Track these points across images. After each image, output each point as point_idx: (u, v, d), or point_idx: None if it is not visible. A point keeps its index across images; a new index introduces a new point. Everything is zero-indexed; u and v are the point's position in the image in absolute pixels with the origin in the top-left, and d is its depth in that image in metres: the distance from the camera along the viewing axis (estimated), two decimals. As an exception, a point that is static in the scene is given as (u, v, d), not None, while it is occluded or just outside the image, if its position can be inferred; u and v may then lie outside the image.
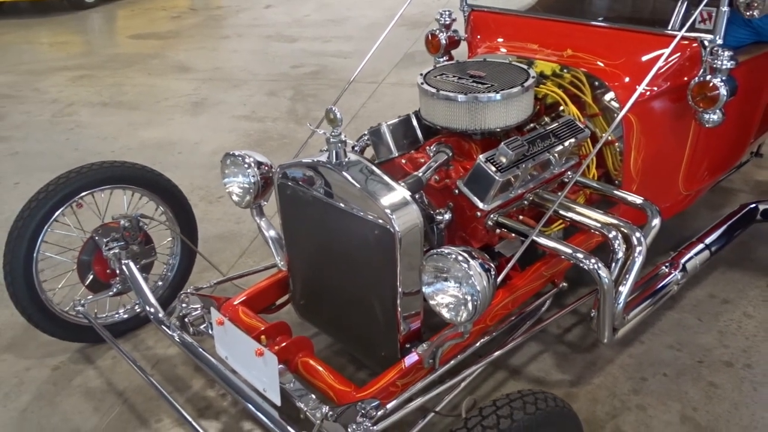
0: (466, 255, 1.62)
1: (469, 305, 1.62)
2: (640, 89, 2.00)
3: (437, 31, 2.88)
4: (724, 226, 2.59)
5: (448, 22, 2.88)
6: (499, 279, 1.76)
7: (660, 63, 2.10)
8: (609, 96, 2.28)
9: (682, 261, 2.36)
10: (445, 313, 1.67)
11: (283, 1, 9.32)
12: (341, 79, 5.56)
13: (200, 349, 2.00)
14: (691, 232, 2.56)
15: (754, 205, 2.72)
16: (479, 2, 2.81)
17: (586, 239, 2.28)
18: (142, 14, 8.86)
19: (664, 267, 2.33)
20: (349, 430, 1.59)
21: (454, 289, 1.64)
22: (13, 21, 8.57)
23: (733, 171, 3.26)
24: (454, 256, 1.62)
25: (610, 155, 2.38)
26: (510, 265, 1.84)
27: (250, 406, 1.82)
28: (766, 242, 2.98)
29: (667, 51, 2.01)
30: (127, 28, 8.18)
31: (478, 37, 2.80)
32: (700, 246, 2.46)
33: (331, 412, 1.67)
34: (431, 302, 1.69)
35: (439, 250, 1.65)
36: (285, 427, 1.72)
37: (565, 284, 2.28)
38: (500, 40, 2.71)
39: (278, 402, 1.76)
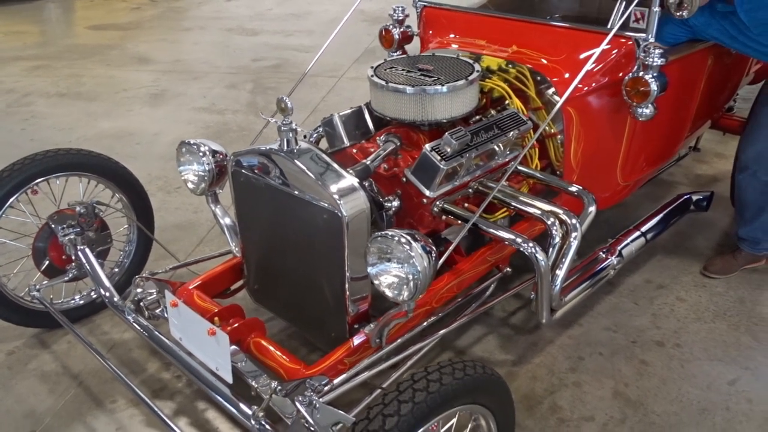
0: (408, 237, 1.71)
1: (411, 284, 1.71)
2: (574, 84, 2.12)
3: (390, 26, 2.97)
4: (660, 215, 2.75)
5: (401, 18, 2.97)
6: (442, 261, 1.87)
7: (593, 59, 2.22)
8: (551, 90, 2.40)
9: (619, 247, 2.50)
10: (389, 293, 1.76)
11: (245, -5, 9.29)
12: (300, 72, 5.60)
13: (155, 332, 2.06)
14: (632, 222, 2.70)
15: (687, 196, 2.88)
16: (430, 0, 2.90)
17: (528, 227, 2.39)
18: (101, 5, 8.74)
19: (601, 253, 2.47)
20: (296, 401, 1.67)
21: (397, 269, 1.73)
22: (-33, 9, 8.38)
23: (671, 164, 3.44)
24: (397, 238, 1.71)
25: (553, 147, 2.50)
26: (452, 247, 1.94)
27: (204, 385, 1.89)
28: (700, 232, 3.15)
29: (599, 49, 2.13)
30: (85, 18, 8.06)
31: (430, 32, 2.90)
32: (636, 234, 2.61)
33: (280, 387, 1.75)
34: (375, 282, 1.78)
35: (383, 232, 1.74)
36: (236, 403, 1.79)
37: (509, 269, 2.40)
38: (451, 36, 2.81)
39: (230, 380, 1.83)
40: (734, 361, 2.35)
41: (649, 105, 2.29)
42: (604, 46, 2.12)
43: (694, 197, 2.90)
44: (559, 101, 2.18)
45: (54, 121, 4.66)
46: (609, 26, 2.44)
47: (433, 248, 1.75)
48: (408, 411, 1.22)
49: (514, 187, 2.34)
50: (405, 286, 1.73)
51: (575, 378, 2.26)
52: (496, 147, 2.26)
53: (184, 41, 6.91)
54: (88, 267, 2.30)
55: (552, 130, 2.45)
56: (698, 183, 3.66)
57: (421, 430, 1.28)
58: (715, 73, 2.81)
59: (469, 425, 1.52)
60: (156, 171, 3.78)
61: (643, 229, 2.63)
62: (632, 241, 2.56)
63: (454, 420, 1.45)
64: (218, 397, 1.85)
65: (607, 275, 2.42)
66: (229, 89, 5.32)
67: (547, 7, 3.38)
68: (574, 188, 2.28)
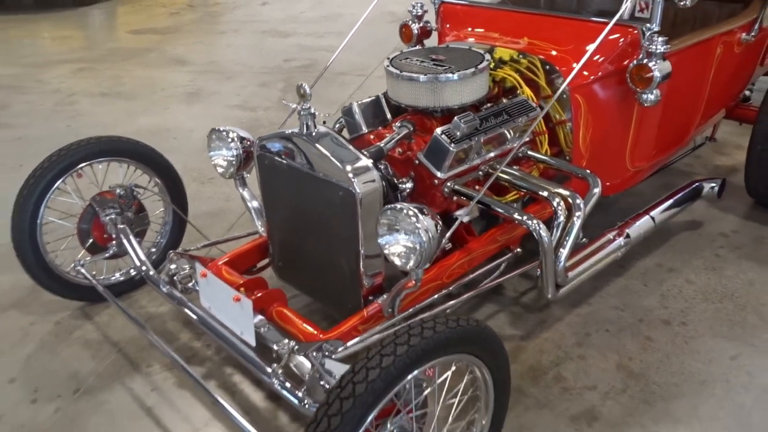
0: (415, 210, 1.85)
1: (417, 254, 1.86)
2: (576, 69, 2.24)
3: (410, 22, 3.12)
4: (670, 201, 2.83)
5: (420, 14, 3.12)
6: (449, 235, 2.02)
7: (599, 48, 2.34)
8: (560, 80, 2.52)
9: (627, 230, 2.59)
10: (397, 261, 1.90)
11: (279, -1, 9.57)
12: (331, 72, 5.78)
13: (187, 302, 2.24)
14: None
15: (698, 183, 2.95)
16: (449, -5, 3.05)
17: (539, 210, 2.51)
18: (141, 11, 9.10)
19: (610, 235, 2.57)
20: (310, 356, 1.82)
21: (405, 239, 1.87)
22: (17, 16, 8.82)
23: (687, 153, 3.51)
24: (405, 210, 1.85)
25: (563, 134, 2.61)
26: (458, 223, 2.08)
27: (229, 348, 2.05)
28: (715, 219, 3.22)
29: (600, 37, 2.24)
30: (126, 23, 8.42)
31: (447, 26, 3.04)
32: (645, 217, 2.70)
33: (298, 347, 1.91)
34: (385, 252, 1.92)
35: (392, 205, 1.88)
36: (259, 363, 1.95)
37: (519, 250, 2.52)
38: (467, 29, 2.94)
39: (253, 343, 2.00)
40: (738, 338, 2.42)
41: (654, 91, 2.39)
42: (604, 34, 2.23)
43: (706, 184, 2.96)
44: (563, 84, 2.30)
45: (96, 119, 4.93)
46: (618, 16, 2.55)
47: (439, 221, 1.89)
48: (403, 352, 1.36)
49: (524, 171, 2.46)
50: (412, 255, 1.88)
51: (581, 352, 2.37)
52: (505, 131, 2.39)
53: (219, 43, 7.17)
54: (127, 244, 2.51)
55: (561, 117, 2.56)
56: (717, 173, 3.72)
57: (417, 371, 1.42)
58: (724, 62, 2.88)
59: (465, 377, 1.65)
60: (191, 163, 4.00)
61: (653, 213, 2.72)
62: (641, 224, 2.65)
63: (452, 370, 1.58)
64: (242, 359, 2.01)
65: (615, 255, 2.51)
66: (261, 88, 5.53)
67: (565, 2, 3.50)
68: (578, 171, 2.40)
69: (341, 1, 9.03)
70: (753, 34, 2.92)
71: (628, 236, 2.57)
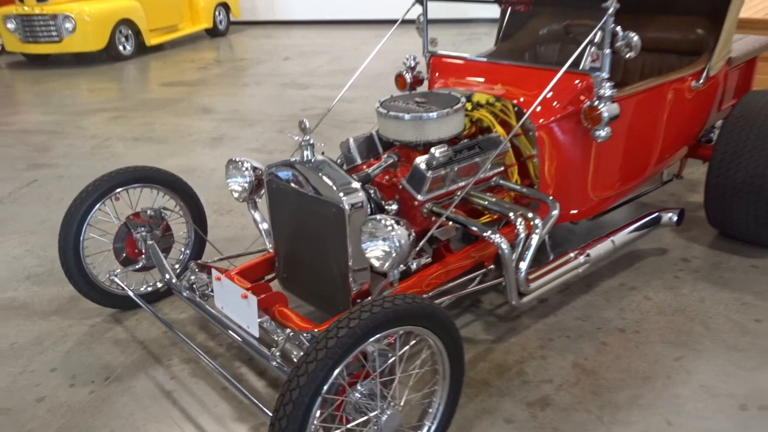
0: (392, 221, 2.26)
1: (392, 256, 2.25)
2: (531, 108, 2.68)
3: (404, 72, 3.59)
4: (631, 227, 3.19)
5: (413, 65, 3.58)
6: (422, 243, 2.41)
7: (560, 93, 2.77)
8: (528, 120, 2.94)
9: (588, 250, 2.96)
10: (376, 263, 2.30)
11: (299, 54, 10.25)
12: (343, 120, 6.31)
13: (204, 305, 2.65)
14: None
15: (657, 214, 3.30)
16: (438, 50, 3.51)
17: (510, 231, 2.89)
18: (173, 65, 9.82)
19: (572, 253, 2.93)
20: (302, 340, 2.20)
21: (382, 245, 2.27)
22: (59, 71, 9.60)
23: (656, 187, 3.90)
24: (383, 221, 2.26)
25: (532, 167, 3.02)
26: (428, 235, 2.48)
27: (237, 338, 2.44)
28: (679, 247, 3.56)
29: (551, 83, 2.67)
30: (158, 77, 9.11)
31: (437, 75, 3.49)
32: (607, 240, 3.06)
33: (292, 334, 2.29)
34: (367, 255, 2.32)
35: (372, 216, 2.29)
36: (260, 349, 2.34)
37: (492, 266, 2.89)
38: (452, 78, 3.40)
39: (257, 334, 2.39)
40: (684, 344, 2.75)
41: (605, 128, 2.78)
42: (554, 81, 2.67)
43: (665, 214, 3.31)
44: (521, 120, 2.72)
45: (129, 160, 5.45)
46: (581, 67, 2.99)
47: (412, 232, 2.29)
48: (356, 325, 1.73)
49: (496, 196, 2.86)
50: (389, 258, 2.27)
51: (542, 353, 2.71)
52: (477, 162, 2.80)
53: (243, 94, 7.77)
54: (154, 258, 2.94)
55: (530, 153, 2.97)
56: (689, 209, 4.06)
57: (379, 335, 1.79)
58: (677, 106, 3.29)
59: (424, 351, 2.02)
60: (212, 197, 4.46)
61: (613, 237, 3.08)
62: (601, 245, 3.01)
63: (412, 343, 1.96)
64: (247, 347, 2.40)
65: (576, 271, 2.87)
66: (279, 134, 6.05)
67: (538, 55, 3.97)
68: (540, 196, 2.79)
69: (357, 55, 9.68)
70: (702, 81, 3.33)
71: (588, 255, 2.93)
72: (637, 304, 3.05)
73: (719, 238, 3.65)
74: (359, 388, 1.89)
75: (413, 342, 1.99)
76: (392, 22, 3.44)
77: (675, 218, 3.32)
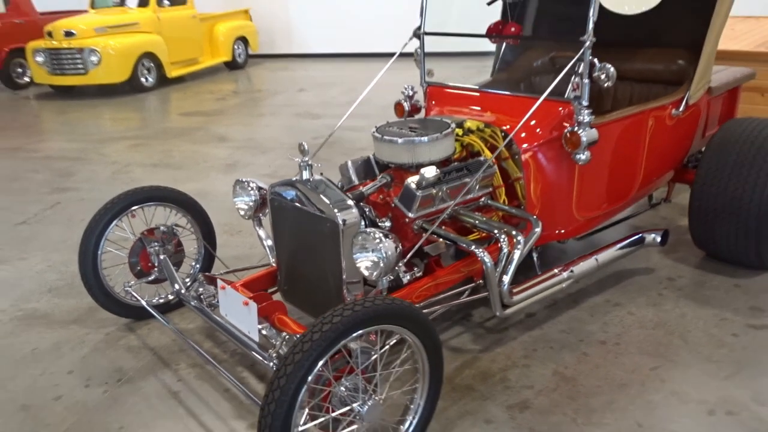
0: (380, 234, 2.46)
1: (380, 266, 2.45)
2: (513, 132, 2.90)
3: (402, 101, 3.84)
4: (614, 247, 3.36)
5: (411, 94, 3.83)
6: (410, 254, 2.62)
7: (543, 119, 2.98)
8: (515, 145, 3.15)
9: (572, 267, 3.14)
10: (366, 272, 2.50)
11: (314, 86, 10.61)
12: (352, 148, 6.58)
13: (210, 313, 2.86)
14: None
15: (641, 234, 3.48)
16: (434, 80, 3.76)
17: (496, 248, 3.09)
18: (192, 96, 10.21)
19: (556, 269, 3.11)
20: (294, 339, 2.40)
21: (372, 255, 2.48)
22: (83, 101, 10.04)
23: (644, 210, 4.08)
24: (372, 234, 2.47)
25: (519, 188, 3.22)
26: (415, 248, 2.68)
27: (239, 344, 2.64)
28: (666, 266, 3.72)
29: (531, 110, 2.90)
30: (178, 107, 9.48)
31: (433, 103, 3.73)
32: (590, 258, 3.23)
33: (288, 337, 2.49)
34: (358, 265, 2.52)
35: (363, 230, 2.50)
36: (260, 351, 2.53)
37: (481, 281, 3.07)
38: (447, 106, 3.63)
39: (257, 339, 2.59)
40: (662, 355, 2.90)
41: (584, 152, 2.98)
42: (534, 108, 2.90)
43: (649, 235, 3.48)
44: (503, 144, 2.95)
45: (148, 184, 5.72)
46: (566, 96, 3.20)
47: (399, 244, 2.49)
48: (339, 321, 1.93)
49: (483, 215, 3.06)
50: (377, 268, 2.47)
51: (526, 362, 2.88)
52: (465, 183, 3.01)
53: (258, 124, 8.09)
54: (166, 271, 3.17)
55: (517, 175, 3.18)
56: (680, 232, 4.23)
57: (361, 331, 1.98)
58: (658, 132, 3.48)
59: (404, 348, 2.21)
60: (223, 219, 4.71)
61: (597, 255, 3.26)
62: (584, 263, 3.19)
63: (391, 342, 2.15)
64: (248, 351, 2.60)
65: (559, 286, 3.04)
66: (290, 160, 6.28)
67: (533, 85, 4.21)
68: (524, 215, 2.99)
69: (371, 87, 9.98)
70: (681, 109, 3.53)
71: (572, 271, 3.11)
72: (620, 319, 3.21)
73: (706, 259, 3.80)
74: (344, 382, 2.08)
75: (393, 341, 2.18)
76: (404, 55, 3.70)
77: (659, 239, 3.49)
